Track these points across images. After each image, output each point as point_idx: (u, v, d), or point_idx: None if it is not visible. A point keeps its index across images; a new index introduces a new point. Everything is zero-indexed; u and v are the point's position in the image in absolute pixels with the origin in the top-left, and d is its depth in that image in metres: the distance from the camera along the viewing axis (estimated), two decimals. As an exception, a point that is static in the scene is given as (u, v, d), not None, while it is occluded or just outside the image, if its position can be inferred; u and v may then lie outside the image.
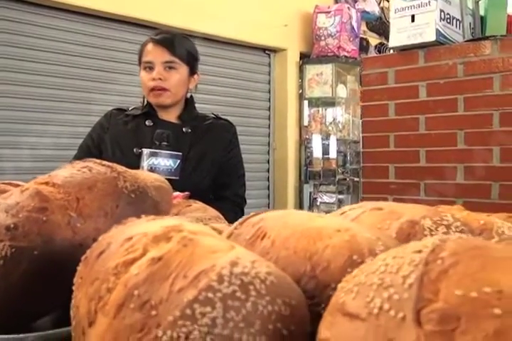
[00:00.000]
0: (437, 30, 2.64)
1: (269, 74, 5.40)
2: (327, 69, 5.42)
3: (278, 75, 5.39)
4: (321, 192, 5.60)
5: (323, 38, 5.43)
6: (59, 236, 0.69)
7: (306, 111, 5.51)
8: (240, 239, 0.61)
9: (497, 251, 0.38)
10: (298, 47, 5.42)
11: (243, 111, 5.07)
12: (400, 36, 2.76)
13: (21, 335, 0.60)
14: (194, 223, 0.55)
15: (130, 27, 4.11)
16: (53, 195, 0.73)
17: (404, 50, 2.82)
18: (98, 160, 0.81)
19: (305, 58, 5.46)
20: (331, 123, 5.51)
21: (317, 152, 5.45)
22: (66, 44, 3.78)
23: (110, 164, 0.80)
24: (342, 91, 5.54)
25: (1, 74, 3.49)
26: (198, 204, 1.21)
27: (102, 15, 3.93)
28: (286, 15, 5.18)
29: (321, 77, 5.47)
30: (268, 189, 5.44)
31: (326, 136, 5.47)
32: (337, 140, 5.39)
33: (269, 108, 5.41)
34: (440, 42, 2.68)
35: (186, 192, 1.60)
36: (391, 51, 2.99)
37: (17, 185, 0.89)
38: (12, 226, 0.68)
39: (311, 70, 5.46)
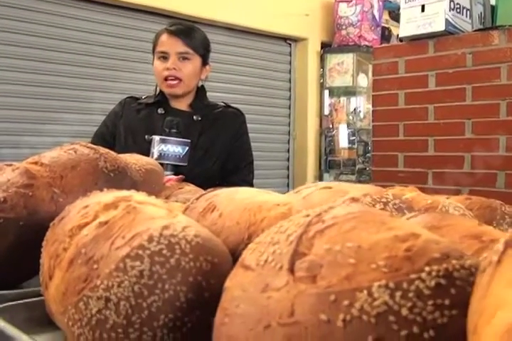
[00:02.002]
0: (447, 20, 2.67)
1: (290, 64, 5.43)
2: (348, 59, 5.43)
3: (299, 64, 5.42)
4: (340, 181, 5.63)
5: (344, 27, 5.44)
6: (42, 209, 0.78)
7: (327, 100, 5.53)
8: (194, 211, 0.70)
9: (371, 216, 0.46)
10: (319, 36, 5.43)
11: (264, 101, 5.12)
12: (410, 26, 2.80)
13: (3, 292, 0.69)
14: (146, 195, 0.63)
15: (150, 16, 4.15)
16: (40, 173, 0.82)
17: (414, 39, 2.85)
18: (84, 143, 0.89)
19: (326, 47, 5.47)
20: (351, 112, 5.53)
21: (337, 141, 5.48)
22: (81, 32, 3.83)
23: (94, 146, 0.88)
24: (363, 81, 5.54)
25: (17, 62, 3.57)
26: (189, 187, 1.29)
27: (122, 5, 3.98)
28: (307, 4, 5.20)
29: (342, 67, 5.48)
30: (288, 178, 5.49)
31: (347, 126, 5.49)
32: (358, 129, 5.41)
33: (290, 97, 5.44)
34: (449, 32, 2.71)
35: (180, 176, 1.68)
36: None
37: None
38: (2, 200, 0.77)
39: (332, 59, 5.48)
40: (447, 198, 0.93)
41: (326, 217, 0.46)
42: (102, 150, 0.88)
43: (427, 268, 0.39)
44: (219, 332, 0.44)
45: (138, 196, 0.61)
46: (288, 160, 5.47)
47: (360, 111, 5.49)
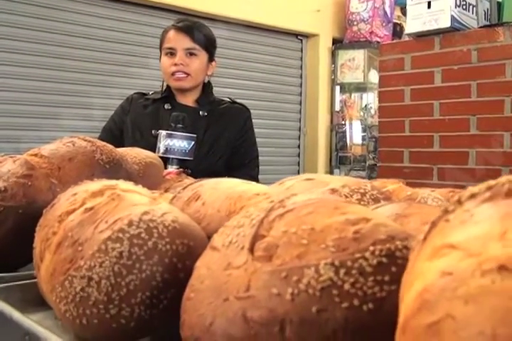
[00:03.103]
0: (452, 16, 2.69)
1: (301, 60, 5.44)
2: (359, 55, 5.43)
3: (310, 60, 5.43)
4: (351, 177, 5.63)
5: (355, 23, 5.44)
6: (40, 199, 0.83)
7: (338, 96, 5.55)
8: (180, 200, 0.74)
9: (328, 203, 0.50)
10: (330, 32, 5.44)
11: (275, 96, 5.15)
12: (416, 23, 2.81)
13: None
14: (132, 184, 0.67)
15: (156, 11, 4.16)
16: (39, 164, 0.87)
17: (420, 36, 2.87)
18: (82, 136, 0.94)
19: (337, 43, 5.48)
20: (362, 108, 5.54)
21: (348, 137, 5.49)
22: (81, 26, 3.84)
23: (92, 139, 0.93)
24: (374, 77, 5.53)
25: (32, 59, 3.62)
26: (188, 180, 1.33)
27: (133, 1, 4.01)
28: (318, 0, 5.21)
29: (353, 63, 5.49)
30: (298, 173, 5.49)
31: (358, 122, 5.50)
32: (369, 125, 5.42)
33: (301, 93, 5.46)
34: (455, 28, 2.73)
35: (180, 169, 1.72)
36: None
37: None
38: (3, 189, 0.82)
39: (343, 56, 5.49)
40: (432, 191, 0.96)
41: (287, 203, 0.50)
42: (99, 143, 0.93)
43: (371, 248, 0.43)
44: (185, 306, 0.48)
45: (123, 185, 0.65)
46: (299, 156, 5.50)
47: (371, 107, 5.49)
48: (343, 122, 5.48)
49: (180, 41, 2.01)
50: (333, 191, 0.76)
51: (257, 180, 2.19)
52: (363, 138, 5.45)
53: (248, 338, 0.41)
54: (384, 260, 0.43)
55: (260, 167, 2.24)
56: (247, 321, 0.42)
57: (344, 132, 5.48)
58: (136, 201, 0.60)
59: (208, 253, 0.50)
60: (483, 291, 0.28)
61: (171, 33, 2.03)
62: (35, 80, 3.67)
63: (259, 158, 2.25)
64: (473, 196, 0.36)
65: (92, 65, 3.90)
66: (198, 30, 2.05)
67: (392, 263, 0.43)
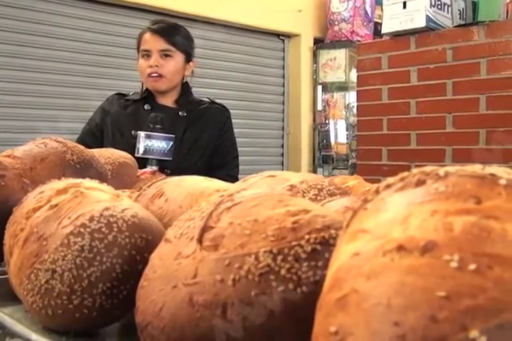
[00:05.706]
0: (427, 16, 2.74)
1: (283, 60, 5.48)
2: (341, 54, 5.48)
3: (292, 60, 5.48)
4: (334, 176, 5.68)
5: (336, 22, 5.49)
6: (13, 198, 0.86)
7: (320, 95, 5.59)
8: (144, 197, 0.78)
9: (272, 196, 0.53)
10: (312, 32, 5.49)
11: (257, 97, 5.18)
12: (392, 22, 2.86)
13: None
14: (97, 182, 0.71)
15: (145, 14, 4.18)
16: (12, 165, 0.90)
17: (396, 35, 2.92)
18: (54, 137, 0.97)
19: (319, 43, 5.53)
20: (345, 107, 5.59)
21: (331, 136, 5.54)
22: (71, 30, 3.86)
23: (63, 140, 0.96)
24: (355, 76, 5.59)
25: (5, 60, 3.61)
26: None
27: (118, 3, 4.04)
28: (300, 0, 5.26)
29: (335, 62, 5.54)
30: (282, 172, 5.53)
31: (340, 121, 5.55)
32: (351, 124, 5.47)
33: (283, 93, 5.50)
34: (430, 28, 2.78)
35: (155, 169, 1.76)
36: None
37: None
38: (-24, 189, 0.85)
39: (325, 55, 5.54)
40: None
41: (235, 197, 0.53)
42: (70, 144, 0.96)
43: (306, 237, 0.47)
44: (139, 294, 0.52)
45: (88, 183, 0.69)
46: (282, 155, 5.54)
47: (353, 106, 5.54)
48: (326, 121, 5.53)
49: (154, 43, 2.04)
50: (292, 187, 0.80)
51: (236, 180, 2.23)
52: (346, 137, 5.51)
53: (193, 320, 0.45)
54: (318, 247, 0.47)
55: (244, 167, 2.27)
56: (193, 305, 0.46)
57: (327, 131, 5.53)
58: (98, 198, 0.64)
59: (161, 245, 0.54)
60: (383, 268, 0.32)
61: (147, 35, 2.06)
62: (31, 84, 3.70)
63: (242, 157, 2.28)
64: (388, 186, 0.40)
65: (87, 67, 3.95)
66: (173, 31, 2.08)
67: (326, 249, 0.47)
